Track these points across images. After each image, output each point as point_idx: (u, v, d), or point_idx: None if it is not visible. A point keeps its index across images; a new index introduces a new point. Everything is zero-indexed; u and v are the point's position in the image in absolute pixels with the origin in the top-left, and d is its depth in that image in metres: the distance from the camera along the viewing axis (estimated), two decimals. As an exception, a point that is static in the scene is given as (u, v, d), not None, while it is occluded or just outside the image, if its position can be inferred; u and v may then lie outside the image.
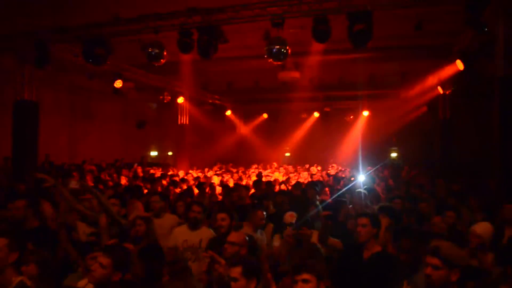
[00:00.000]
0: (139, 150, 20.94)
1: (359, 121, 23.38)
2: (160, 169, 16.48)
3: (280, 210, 6.43)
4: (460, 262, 2.90)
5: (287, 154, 25.96)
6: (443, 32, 11.53)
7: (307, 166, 18.37)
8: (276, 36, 8.74)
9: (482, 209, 6.59)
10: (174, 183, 10.51)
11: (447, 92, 14.85)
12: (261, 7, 8.76)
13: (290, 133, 24.68)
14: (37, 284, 3.52)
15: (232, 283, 3.06)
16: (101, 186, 9.42)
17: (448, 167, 15.10)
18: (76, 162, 15.63)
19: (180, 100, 18.22)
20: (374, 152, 23.59)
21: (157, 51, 9.35)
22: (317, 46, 10.85)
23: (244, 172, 15.95)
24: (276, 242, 4.81)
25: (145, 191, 9.16)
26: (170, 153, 23.75)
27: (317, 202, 7.06)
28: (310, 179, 13.02)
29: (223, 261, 2.56)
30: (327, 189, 9.44)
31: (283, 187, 10.62)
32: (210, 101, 20.93)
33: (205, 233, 5.18)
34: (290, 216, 5.39)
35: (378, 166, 16.37)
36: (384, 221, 4.95)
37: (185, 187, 10.53)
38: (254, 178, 12.98)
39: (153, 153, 23.78)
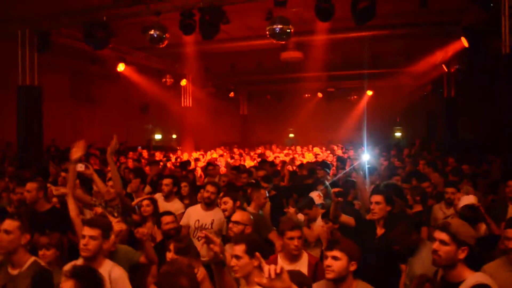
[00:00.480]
0: (143, 133, 20.98)
1: (363, 101, 23.27)
2: (163, 153, 16.51)
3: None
4: (470, 240, 2.87)
5: (291, 135, 25.93)
6: (448, 10, 11.37)
7: (310, 147, 18.34)
8: (278, 15, 8.63)
9: (490, 189, 6.61)
10: (182, 166, 10.48)
11: (452, 70, 14.73)
12: (264, -14, 8.65)
13: (293, 114, 24.61)
14: (53, 267, 3.59)
15: (235, 261, 3.08)
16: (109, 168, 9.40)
17: (453, 146, 15.04)
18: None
19: (183, 82, 18.14)
20: (378, 131, 23.57)
21: (159, 33, 9.27)
22: (320, 25, 10.75)
23: (248, 154, 15.96)
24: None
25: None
26: (174, 136, 23.77)
27: (326, 182, 7.08)
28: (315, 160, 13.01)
29: (218, 241, 2.58)
30: (333, 169, 9.47)
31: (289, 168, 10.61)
32: (213, 83, 20.84)
33: (218, 214, 5.22)
34: (318, 196, 5.40)
35: (379, 146, 16.36)
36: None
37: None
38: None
39: (157, 137, 23.81)
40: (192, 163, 12.02)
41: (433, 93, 19.23)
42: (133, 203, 5.30)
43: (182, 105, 18.76)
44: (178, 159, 14.07)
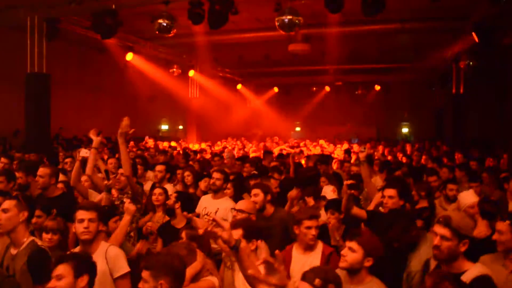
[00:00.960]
0: (150, 124, 21.02)
1: (371, 96, 23.18)
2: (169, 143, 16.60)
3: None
4: (470, 232, 2.86)
5: (298, 129, 25.89)
6: (458, 5, 11.27)
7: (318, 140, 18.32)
8: (288, 6, 8.61)
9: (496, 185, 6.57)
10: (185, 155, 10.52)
11: (461, 66, 14.61)
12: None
13: (300, 107, 24.56)
14: (55, 250, 3.62)
15: None
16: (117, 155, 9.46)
17: (461, 142, 14.98)
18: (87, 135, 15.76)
19: (191, 73, 18.15)
20: (385, 126, 23.53)
21: (167, 22, 9.27)
22: (329, 18, 10.70)
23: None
24: (324, 217, 4.80)
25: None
26: (180, 127, 23.82)
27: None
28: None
29: (226, 225, 2.60)
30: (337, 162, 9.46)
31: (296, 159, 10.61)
32: (221, 74, 20.82)
33: (224, 203, 5.23)
34: (333, 191, 5.29)
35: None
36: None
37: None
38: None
39: (164, 127, 23.85)
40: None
41: (442, 89, 19.11)
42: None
43: (189, 96, 18.79)
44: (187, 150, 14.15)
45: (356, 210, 4.47)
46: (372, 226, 4.27)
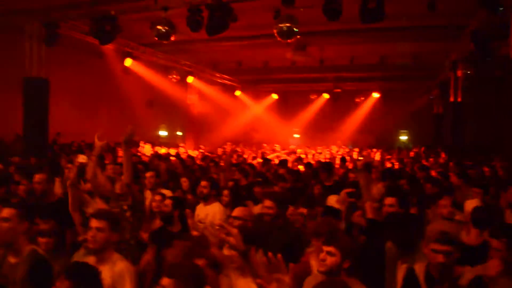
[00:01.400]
0: (148, 129, 20.99)
1: (370, 103, 23.22)
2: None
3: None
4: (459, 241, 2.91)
5: (296, 135, 25.90)
6: (456, 13, 11.32)
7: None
8: (286, 14, 8.62)
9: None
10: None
11: (459, 75, 14.65)
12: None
13: (299, 113, 24.59)
14: (51, 256, 3.60)
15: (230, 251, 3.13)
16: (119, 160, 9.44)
17: (459, 150, 14.98)
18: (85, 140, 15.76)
19: (190, 79, 18.17)
20: (384, 134, 23.54)
21: (166, 28, 9.29)
22: (328, 26, 10.71)
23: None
24: None
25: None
26: (179, 133, 23.81)
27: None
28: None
29: (235, 231, 2.57)
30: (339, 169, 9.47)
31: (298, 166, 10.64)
32: (220, 81, 20.86)
33: (213, 209, 5.24)
34: (338, 202, 5.17)
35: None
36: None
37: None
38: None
39: (163, 133, 23.83)
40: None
41: (440, 97, 19.16)
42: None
43: (188, 102, 18.80)
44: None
45: (356, 218, 4.46)
46: (371, 234, 4.27)
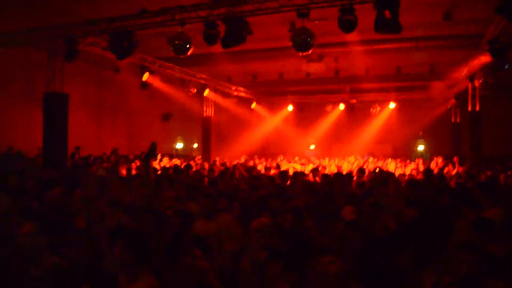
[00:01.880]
0: (165, 142, 21.17)
1: (386, 113, 23.07)
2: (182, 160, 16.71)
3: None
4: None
5: (312, 147, 25.83)
6: (473, 22, 11.26)
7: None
8: (301, 26, 8.66)
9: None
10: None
11: (477, 84, 14.50)
12: (287, -3, 8.68)
13: (315, 124, 24.56)
14: (74, 265, 3.66)
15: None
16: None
17: (478, 161, 14.76)
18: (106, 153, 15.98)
19: (206, 92, 18.32)
20: (401, 144, 23.34)
21: (183, 43, 9.38)
22: (343, 37, 10.75)
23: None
24: None
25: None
26: (195, 146, 23.93)
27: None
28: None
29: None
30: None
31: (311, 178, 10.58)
32: (235, 93, 20.98)
33: (224, 220, 5.17)
34: (352, 212, 5.02)
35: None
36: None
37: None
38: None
39: (179, 146, 23.99)
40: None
41: (458, 107, 18.96)
42: None
43: (204, 114, 18.93)
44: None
45: (376, 229, 4.41)
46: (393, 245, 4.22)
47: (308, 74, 15.96)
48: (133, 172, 11.12)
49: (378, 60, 15.80)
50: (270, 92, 22.83)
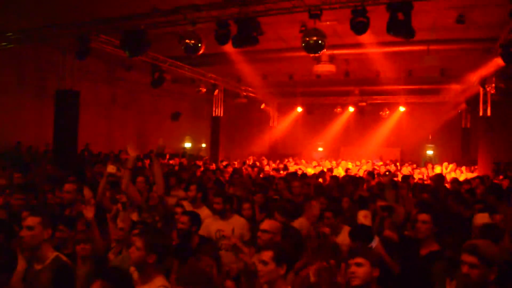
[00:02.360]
0: (173, 141, 21.25)
1: (395, 117, 22.95)
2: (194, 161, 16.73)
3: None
4: (498, 260, 2.80)
5: (320, 149, 25.77)
6: (486, 26, 11.16)
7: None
8: (313, 27, 8.64)
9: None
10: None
11: (488, 89, 14.37)
12: (299, -2, 8.68)
13: (324, 127, 24.49)
14: (86, 262, 3.73)
15: (261, 266, 3.10)
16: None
17: (488, 166, 14.65)
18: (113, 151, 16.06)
19: (215, 92, 18.36)
20: (410, 148, 23.21)
21: (194, 42, 9.40)
22: (354, 39, 10.70)
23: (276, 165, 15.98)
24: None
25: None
26: (203, 145, 23.97)
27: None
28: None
29: (246, 249, 2.55)
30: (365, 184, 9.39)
31: (320, 180, 10.57)
32: (245, 94, 20.99)
33: (237, 222, 5.19)
34: (365, 217, 4.85)
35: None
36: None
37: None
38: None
39: (187, 145, 24.04)
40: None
41: (468, 112, 18.82)
42: None
43: (214, 114, 18.96)
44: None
45: (387, 233, 4.37)
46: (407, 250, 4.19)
47: (318, 76, 15.89)
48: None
49: (389, 62, 15.70)
50: (280, 93, 22.78)
